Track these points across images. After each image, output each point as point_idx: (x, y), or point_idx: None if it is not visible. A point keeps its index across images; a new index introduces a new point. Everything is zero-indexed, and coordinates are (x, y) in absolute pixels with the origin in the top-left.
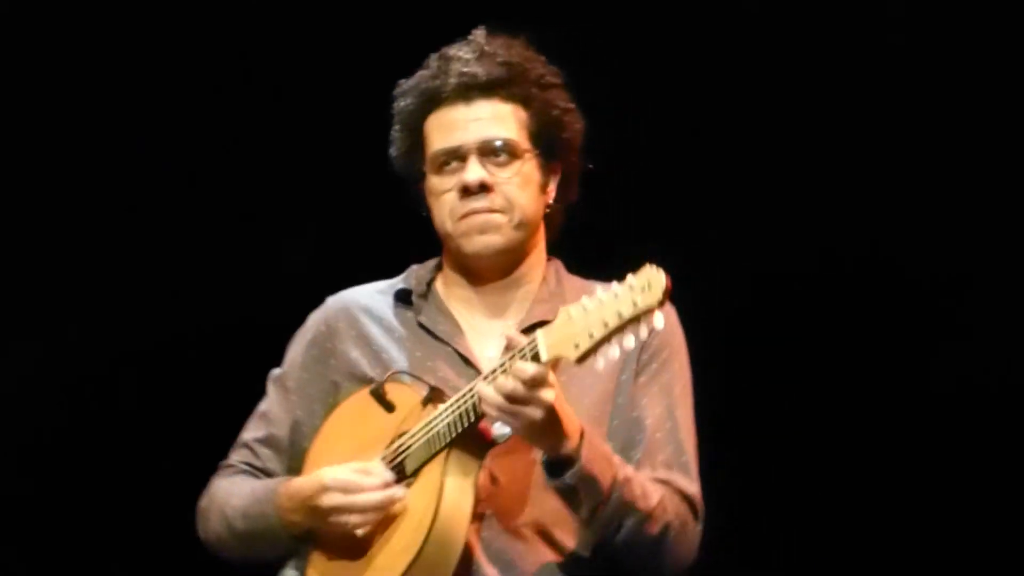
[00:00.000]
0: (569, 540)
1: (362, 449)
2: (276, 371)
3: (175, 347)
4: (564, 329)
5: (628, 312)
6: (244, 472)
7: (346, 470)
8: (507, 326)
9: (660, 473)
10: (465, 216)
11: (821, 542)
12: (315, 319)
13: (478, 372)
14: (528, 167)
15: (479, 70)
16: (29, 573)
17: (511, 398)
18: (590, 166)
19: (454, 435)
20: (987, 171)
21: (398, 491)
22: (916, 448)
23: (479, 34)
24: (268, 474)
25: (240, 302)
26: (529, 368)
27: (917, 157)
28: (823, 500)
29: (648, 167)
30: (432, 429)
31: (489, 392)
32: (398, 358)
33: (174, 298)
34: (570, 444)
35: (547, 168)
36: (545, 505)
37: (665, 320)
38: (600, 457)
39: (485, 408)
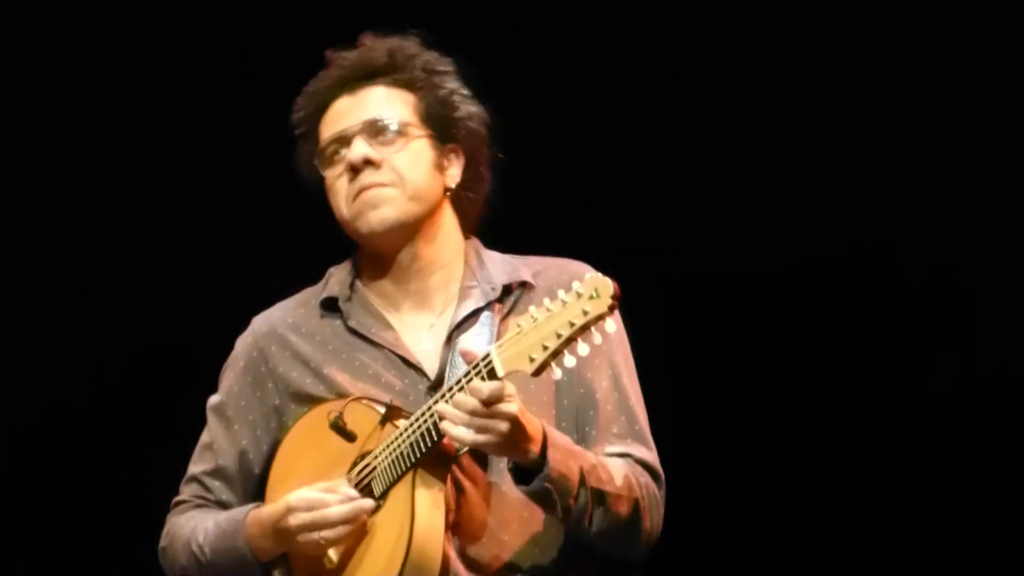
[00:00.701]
0: (541, 536)
1: (324, 472)
2: (214, 399)
3: (172, 348)
4: (517, 343)
5: (579, 320)
6: (199, 507)
7: (310, 490)
8: (432, 324)
9: (616, 446)
10: (356, 195)
11: (821, 542)
12: (244, 345)
13: (419, 371)
14: (418, 144)
15: (363, 59)
16: (28, 573)
17: (473, 415)
18: (500, 155)
19: (418, 455)
20: (986, 169)
21: (365, 503)
22: (913, 448)
23: (364, 37)
24: (222, 505)
25: (240, 302)
26: (485, 387)
27: (916, 155)
28: (823, 500)
29: (648, 168)
30: (395, 450)
31: (449, 411)
32: (336, 371)
33: (172, 299)
34: (534, 449)
35: (443, 149)
36: (511, 503)
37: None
38: (565, 454)
39: (446, 427)
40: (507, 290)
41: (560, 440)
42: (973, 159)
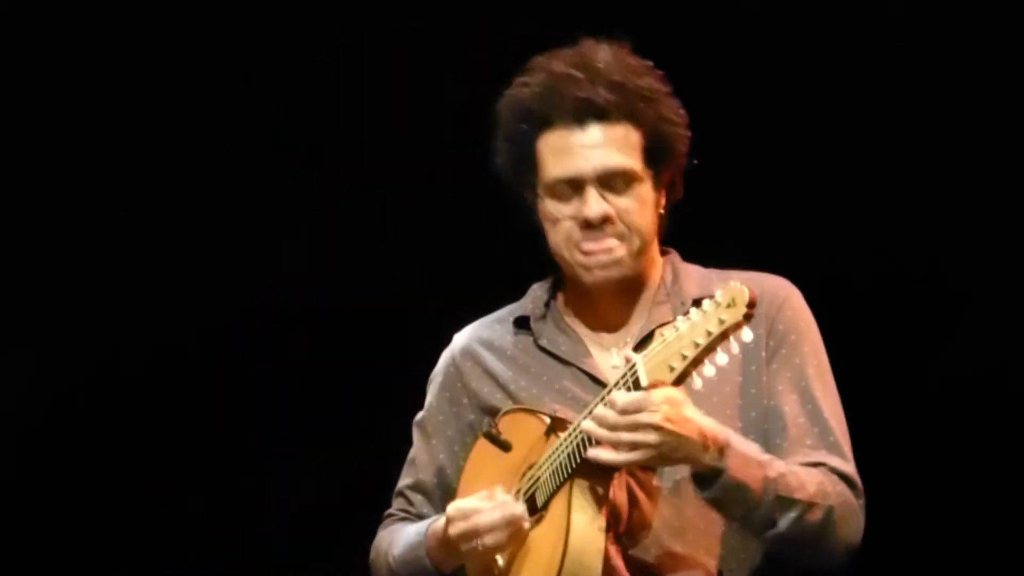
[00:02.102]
0: (718, 546)
1: (495, 484)
2: (418, 416)
3: (168, 350)
4: (661, 352)
5: (716, 330)
6: (403, 520)
7: (467, 499)
8: (627, 342)
9: (810, 457)
10: (586, 251)
11: None
12: (443, 361)
13: (604, 387)
14: (645, 189)
15: (592, 95)
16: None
17: (614, 429)
18: (695, 162)
19: (573, 467)
20: (985, 167)
21: (516, 507)
22: (911, 448)
23: (586, 47)
24: (423, 519)
25: (237, 303)
26: (620, 398)
27: (915, 154)
28: None
29: None
30: (555, 461)
31: (591, 427)
32: (525, 386)
33: (168, 300)
34: (711, 455)
35: (659, 182)
36: (686, 512)
37: (789, 304)
38: (748, 461)
39: (593, 451)
40: (697, 304)
41: (744, 448)
42: (971, 159)
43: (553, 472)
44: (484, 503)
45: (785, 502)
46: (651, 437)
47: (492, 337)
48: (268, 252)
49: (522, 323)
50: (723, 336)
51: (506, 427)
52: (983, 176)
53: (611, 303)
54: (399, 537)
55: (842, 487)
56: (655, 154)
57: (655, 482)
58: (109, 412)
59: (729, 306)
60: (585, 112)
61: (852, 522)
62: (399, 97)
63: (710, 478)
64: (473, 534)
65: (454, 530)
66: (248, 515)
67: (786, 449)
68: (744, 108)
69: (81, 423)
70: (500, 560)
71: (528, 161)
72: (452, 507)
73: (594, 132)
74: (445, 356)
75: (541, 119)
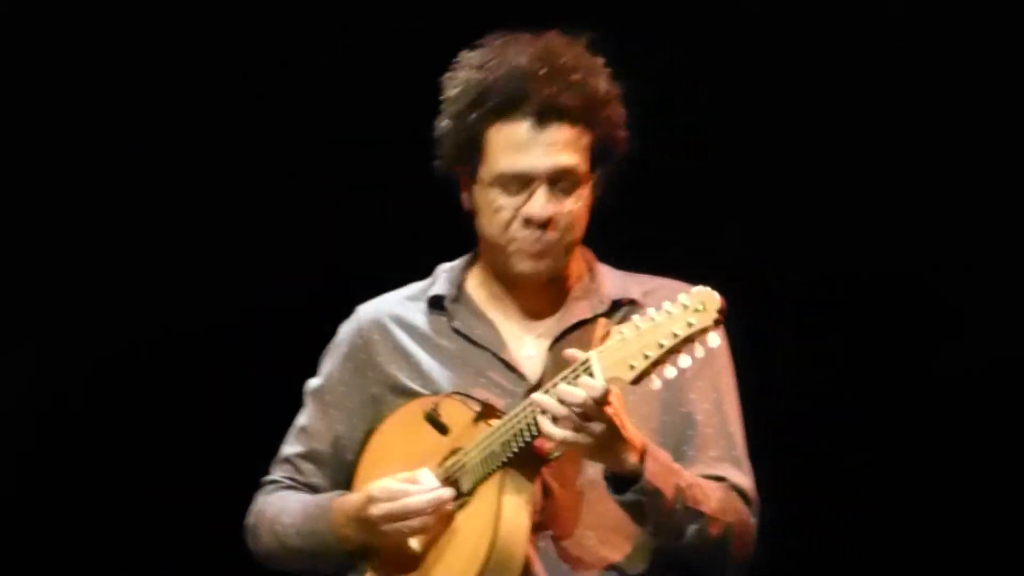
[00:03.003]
0: (626, 544)
1: (413, 465)
2: (313, 383)
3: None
4: (618, 350)
5: (683, 332)
6: (289, 488)
7: (392, 479)
8: (540, 334)
9: (714, 469)
10: (523, 242)
11: (820, 540)
12: (348, 332)
13: (520, 376)
14: (587, 190)
15: (557, 95)
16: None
17: (574, 408)
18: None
19: (510, 454)
20: (982, 166)
21: (445, 492)
22: (908, 446)
23: (548, 40)
24: (313, 488)
25: (237, 302)
26: (598, 384)
27: (912, 154)
28: (820, 499)
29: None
30: (487, 447)
31: (549, 402)
32: (437, 368)
33: (163, 300)
34: (632, 458)
35: (596, 182)
36: (599, 510)
37: None
38: (663, 468)
39: (542, 421)
40: (616, 305)
41: (660, 455)
42: (969, 160)
43: (484, 459)
44: (411, 485)
45: (692, 513)
46: (599, 428)
47: (404, 314)
48: (268, 251)
49: (436, 303)
50: (689, 339)
51: (440, 413)
52: (968, 176)
53: (529, 294)
54: (291, 506)
55: (740, 504)
56: (601, 156)
57: (572, 478)
58: (109, 411)
59: (698, 310)
60: (547, 111)
61: (746, 540)
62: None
63: (628, 480)
64: (399, 515)
65: (378, 510)
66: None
67: (691, 457)
68: (738, 107)
69: (81, 422)
70: (416, 542)
71: (475, 147)
72: (377, 487)
73: (553, 132)
74: (349, 327)
75: (498, 110)
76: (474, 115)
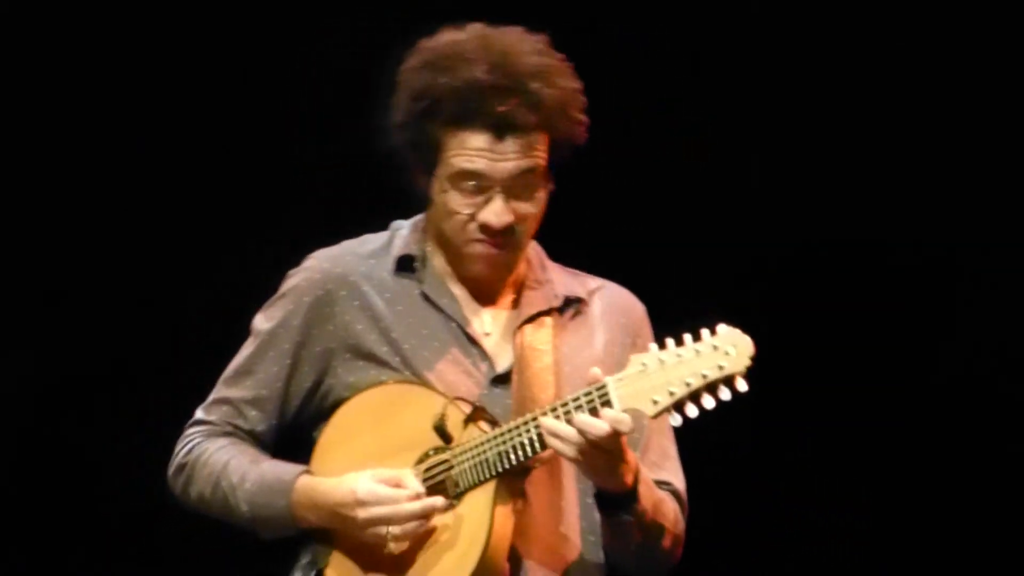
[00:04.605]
0: (575, 550)
1: (386, 455)
2: (264, 325)
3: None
4: (638, 381)
5: (712, 374)
6: (229, 434)
7: (376, 483)
8: (494, 317)
9: (656, 472)
10: (478, 246)
11: (820, 538)
12: (308, 280)
13: (481, 352)
14: (544, 191)
15: (514, 110)
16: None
17: (597, 443)
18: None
19: (508, 466)
20: (979, 162)
21: (436, 502)
22: (907, 446)
23: (504, 40)
24: (255, 437)
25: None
26: (623, 419)
27: (909, 146)
28: (818, 496)
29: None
30: (480, 455)
31: (565, 431)
32: (405, 334)
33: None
34: (628, 479)
35: (552, 178)
36: (571, 514)
37: (647, 322)
38: (647, 488)
39: (555, 444)
40: (566, 302)
41: (646, 475)
42: (966, 153)
43: (476, 465)
44: (400, 491)
45: (658, 528)
46: (608, 455)
47: (371, 272)
48: (268, 251)
49: (404, 264)
50: (717, 382)
51: (415, 398)
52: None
53: (483, 278)
54: (242, 466)
55: (680, 512)
56: (559, 156)
57: (545, 478)
58: (108, 411)
59: (728, 353)
60: (504, 125)
61: (680, 544)
62: None
63: (620, 502)
64: (386, 521)
65: (365, 514)
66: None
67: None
68: (735, 102)
69: (80, 422)
70: (394, 544)
71: (430, 147)
72: (364, 489)
73: (509, 143)
74: (313, 275)
75: (453, 119)
76: (428, 120)
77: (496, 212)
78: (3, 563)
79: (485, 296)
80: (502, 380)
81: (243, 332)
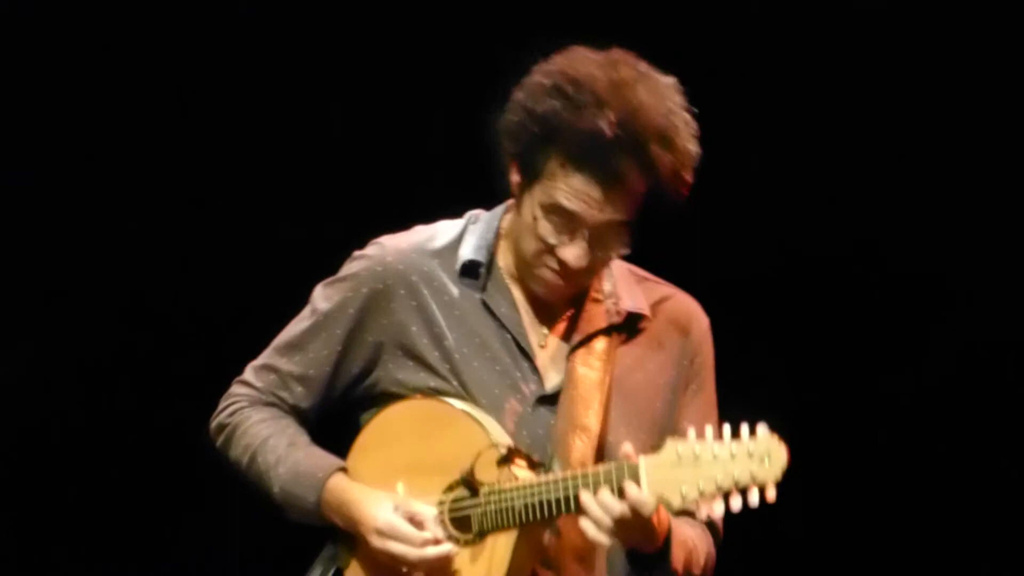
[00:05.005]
0: None
1: (418, 475)
2: (324, 305)
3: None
4: (669, 468)
5: (744, 480)
6: (273, 405)
7: (398, 516)
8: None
9: None
10: (550, 275)
11: (819, 537)
12: (374, 273)
13: (532, 366)
14: (626, 231)
15: (626, 171)
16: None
17: (619, 520)
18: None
19: (531, 519)
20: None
21: (451, 551)
22: (904, 445)
23: (635, 92)
24: (298, 412)
25: (237, 301)
26: (648, 501)
27: (904, 151)
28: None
29: None
30: (508, 501)
31: (595, 510)
32: (457, 342)
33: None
34: (658, 542)
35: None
36: (603, 559)
37: (708, 338)
38: (680, 547)
39: (585, 525)
40: (628, 318)
41: (679, 534)
42: (963, 155)
43: (501, 511)
44: (419, 534)
45: None
46: (634, 531)
47: (433, 274)
48: (267, 250)
49: (468, 270)
50: (747, 488)
51: (460, 426)
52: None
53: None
54: (280, 447)
55: (713, 545)
56: (652, 206)
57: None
58: (108, 410)
59: (763, 461)
60: (613, 181)
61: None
62: None
63: (654, 560)
64: (401, 559)
65: (380, 543)
66: (248, 513)
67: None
68: (735, 106)
69: (80, 422)
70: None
71: (536, 168)
72: (385, 521)
73: (612, 197)
74: (375, 267)
75: (567, 156)
76: (542, 144)
77: (576, 255)
78: (4, 559)
79: (546, 303)
80: (549, 400)
81: (243, 331)
